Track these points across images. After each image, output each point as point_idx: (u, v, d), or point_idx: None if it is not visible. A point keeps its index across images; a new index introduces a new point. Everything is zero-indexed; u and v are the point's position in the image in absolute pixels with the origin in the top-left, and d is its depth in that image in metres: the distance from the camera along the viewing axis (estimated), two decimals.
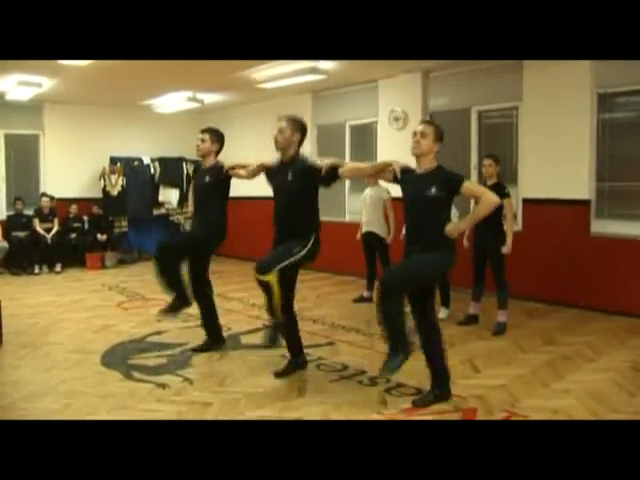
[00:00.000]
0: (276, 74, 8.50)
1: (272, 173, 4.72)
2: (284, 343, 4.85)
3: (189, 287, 5.32)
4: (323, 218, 4.67)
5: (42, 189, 11.25)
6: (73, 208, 11.07)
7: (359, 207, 7.70)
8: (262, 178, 5.03)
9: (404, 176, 4.14)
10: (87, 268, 10.70)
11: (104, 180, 11.61)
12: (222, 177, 5.23)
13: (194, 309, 5.51)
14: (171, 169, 12.09)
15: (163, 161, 12.07)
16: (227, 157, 5.44)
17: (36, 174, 11.51)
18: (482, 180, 6.29)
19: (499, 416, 3.93)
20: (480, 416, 3.93)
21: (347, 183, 9.69)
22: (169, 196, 12.09)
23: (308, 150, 4.63)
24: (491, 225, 5.59)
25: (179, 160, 12.19)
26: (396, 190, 7.13)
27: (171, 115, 12.09)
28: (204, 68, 7.70)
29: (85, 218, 11.21)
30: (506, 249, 5.84)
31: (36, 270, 10.26)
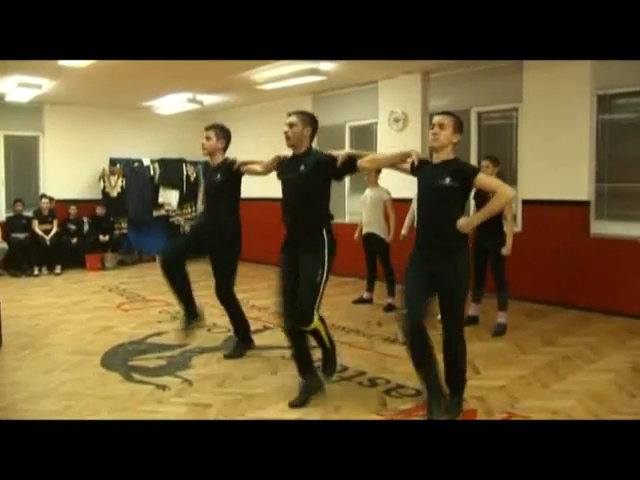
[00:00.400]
0: (276, 75, 8.50)
1: (284, 166, 4.50)
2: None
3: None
4: None
5: (42, 190, 11.25)
6: (72, 209, 11.08)
7: (359, 208, 7.70)
8: (266, 178, 4.96)
9: (421, 167, 3.98)
10: (87, 269, 10.71)
11: (104, 181, 11.62)
12: (234, 174, 5.09)
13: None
14: (171, 170, 12.09)
15: (163, 162, 12.08)
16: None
17: (36, 175, 11.51)
18: None
19: (499, 417, 3.93)
20: (480, 417, 3.93)
21: (347, 184, 9.70)
22: (169, 197, 12.09)
23: None
24: (491, 226, 5.58)
25: (179, 161, 12.20)
26: (396, 191, 7.18)
27: (171, 116, 12.10)
28: (204, 69, 7.71)
29: (85, 219, 11.21)
30: (506, 250, 5.84)
31: (36, 272, 10.27)
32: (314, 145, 4.50)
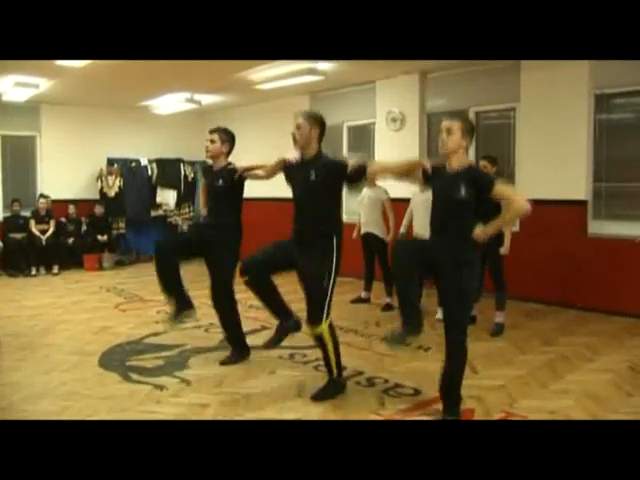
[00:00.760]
0: (274, 75, 8.50)
1: (292, 172, 4.44)
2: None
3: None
4: None
5: (39, 191, 11.23)
6: (71, 209, 11.07)
7: (357, 207, 7.70)
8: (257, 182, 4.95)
9: (434, 175, 3.86)
10: (85, 269, 10.70)
11: (101, 181, 11.61)
12: (236, 180, 5.03)
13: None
14: (169, 170, 12.09)
15: (161, 162, 12.07)
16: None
17: (33, 175, 11.50)
18: None
19: (497, 417, 3.93)
20: (478, 417, 3.93)
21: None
22: (167, 197, 12.08)
23: None
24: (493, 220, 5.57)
25: (177, 161, 12.20)
26: (394, 190, 7.17)
27: (169, 116, 12.09)
28: (202, 69, 7.70)
29: (83, 219, 11.18)
30: (504, 250, 5.85)
31: (33, 272, 10.25)
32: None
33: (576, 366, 5.01)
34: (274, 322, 6.40)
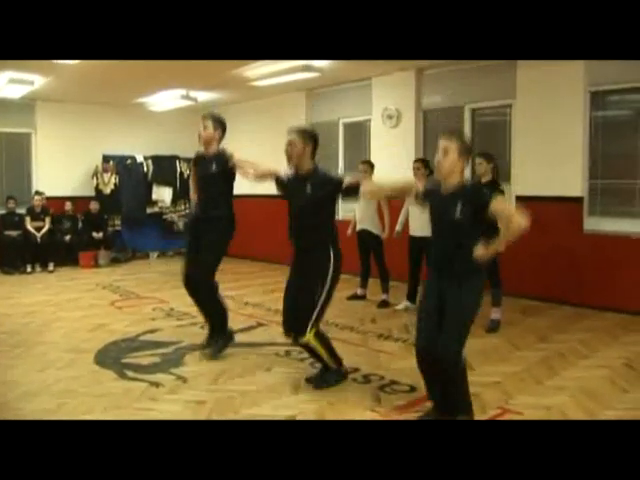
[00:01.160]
0: (270, 72, 8.49)
1: (287, 186, 4.52)
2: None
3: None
4: None
5: (34, 188, 11.19)
6: (68, 205, 11.05)
7: (352, 205, 7.68)
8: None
9: (429, 197, 3.81)
10: (80, 267, 10.68)
11: (97, 178, 11.58)
12: (229, 167, 5.06)
13: (187, 307, 5.50)
14: (164, 167, 12.08)
15: (156, 159, 12.05)
16: None
17: (28, 173, 11.47)
18: (475, 179, 6.29)
19: (493, 413, 3.94)
20: (474, 413, 3.92)
21: None
22: (162, 194, 12.07)
23: None
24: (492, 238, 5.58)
25: (172, 158, 12.18)
26: None
27: (164, 113, 12.07)
28: (198, 66, 7.68)
29: (78, 216, 11.16)
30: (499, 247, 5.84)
31: (28, 269, 10.22)
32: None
33: (571, 362, 5.02)
34: (269, 319, 6.45)
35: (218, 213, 5.14)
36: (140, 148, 12.07)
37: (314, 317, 4.26)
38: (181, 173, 12.21)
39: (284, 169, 4.58)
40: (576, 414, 3.90)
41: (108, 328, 6.26)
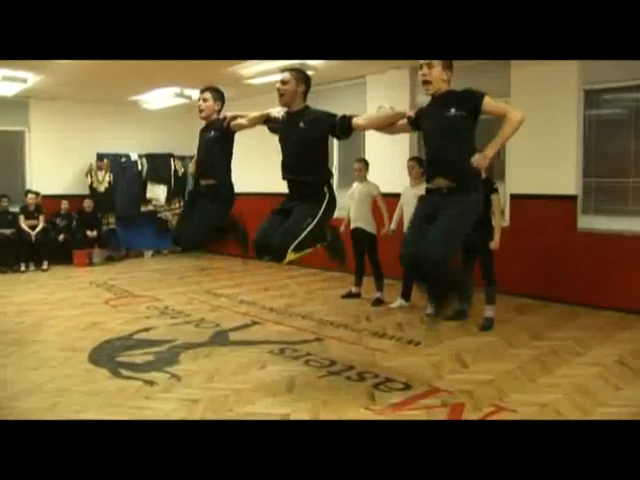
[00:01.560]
0: (264, 70, 8.48)
1: (279, 124, 4.53)
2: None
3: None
4: None
5: (28, 186, 11.15)
6: (64, 204, 11.02)
7: (347, 202, 7.67)
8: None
9: (420, 117, 3.89)
10: (74, 265, 10.65)
11: (91, 176, 11.54)
12: (226, 130, 5.07)
13: (181, 305, 5.49)
14: (159, 165, 12.05)
15: (151, 157, 12.03)
16: None
17: (22, 171, 11.41)
18: None
19: (487, 411, 3.94)
20: (468, 411, 3.94)
21: (335, 179, 9.69)
22: (157, 193, 12.04)
23: None
24: (479, 221, 5.59)
25: (167, 156, 12.17)
26: (385, 185, 7.18)
27: (159, 111, 12.03)
28: (192, 64, 7.68)
29: (72, 214, 11.13)
30: (494, 244, 5.87)
31: (22, 268, 10.19)
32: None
33: (565, 360, 5.03)
34: (264, 317, 6.45)
35: (217, 178, 5.14)
36: (134, 146, 12.05)
37: (294, 243, 4.17)
38: (175, 171, 12.19)
39: (278, 110, 4.57)
40: (570, 412, 3.91)
41: (102, 327, 6.25)
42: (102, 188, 11.55)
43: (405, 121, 4.02)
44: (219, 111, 5.26)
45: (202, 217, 5.14)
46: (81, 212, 11.12)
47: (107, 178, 11.56)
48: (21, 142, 11.35)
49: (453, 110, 3.60)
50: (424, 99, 8.53)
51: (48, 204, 10.82)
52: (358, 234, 7.36)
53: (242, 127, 5.05)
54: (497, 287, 6.13)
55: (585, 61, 6.85)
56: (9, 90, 9.74)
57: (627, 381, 4.49)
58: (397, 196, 6.98)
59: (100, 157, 11.60)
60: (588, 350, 5.31)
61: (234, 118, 5.06)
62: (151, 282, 9.01)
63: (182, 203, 12.17)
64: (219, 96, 5.27)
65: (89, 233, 10.89)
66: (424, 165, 3.92)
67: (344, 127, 4.24)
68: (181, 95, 10.66)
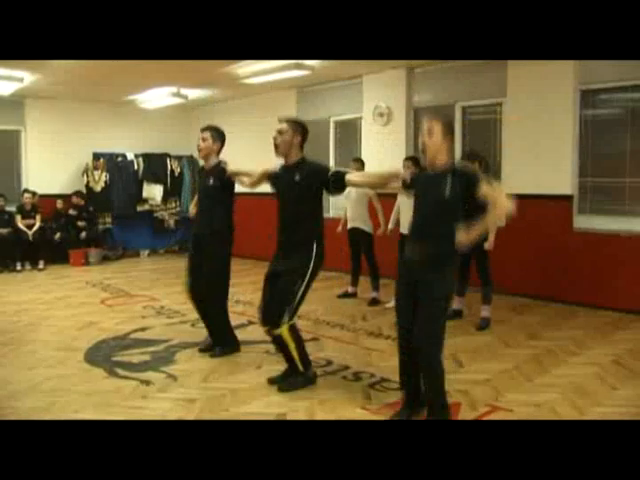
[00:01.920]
0: (260, 70, 8.49)
1: (276, 177, 4.48)
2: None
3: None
4: None
5: (24, 185, 11.13)
6: (59, 203, 11.00)
7: (343, 202, 7.66)
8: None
9: (415, 182, 3.82)
10: (70, 265, 10.63)
11: (87, 176, 11.52)
12: (227, 180, 5.06)
13: (177, 305, 5.48)
14: (155, 165, 12.03)
15: (147, 157, 12.01)
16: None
17: (18, 170, 11.40)
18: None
19: (483, 410, 3.95)
20: (464, 410, 3.94)
21: None
22: (153, 192, 12.02)
23: None
24: (474, 220, 5.59)
25: (163, 156, 12.15)
26: None
27: (155, 111, 12.03)
28: (188, 64, 7.67)
29: (61, 212, 11.09)
30: (488, 245, 5.87)
31: (18, 267, 10.17)
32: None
33: (561, 360, 5.04)
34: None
35: (215, 227, 5.10)
36: (131, 146, 12.03)
37: (289, 310, 4.22)
38: (172, 171, 12.17)
39: (274, 164, 4.54)
40: (566, 411, 3.92)
41: (98, 326, 6.24)
42: (98, 187, 11.53)
43: (399, 184, 3.94)
44: (218, 152, 5.23)
45: (210, 266, 5.13)
46: (73, 206, 11.10)
47: (103, 177, 11.55)
48: (17, 141, 11.33)
49: (447, 192, 3.53)
50: (420, 99, 8.63)
51: (44, 204, 10.79)
52: (356, 234, 7.38)
53: (242, 185, 5.05)
54: (493, 287, 6.14)
55: (581, 61, 6.87)
56: (5, 89, 9.72)
57: (623, 381, 4.50)
58: (393, 196, 6.97)
59: (96, 156, 11.59)
60: (584, 350, 5.32)
61: (235, 174, 5.04)
62: (147, 282, 9.00)
63: (178, 204, 12.19)
64: (219, 136, 5.22)
65: (79, 224, 10.87)
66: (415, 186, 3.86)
67: (337, 183, 4.20)
68: (177, 95, 10.67)
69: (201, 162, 5.47)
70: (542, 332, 5.91)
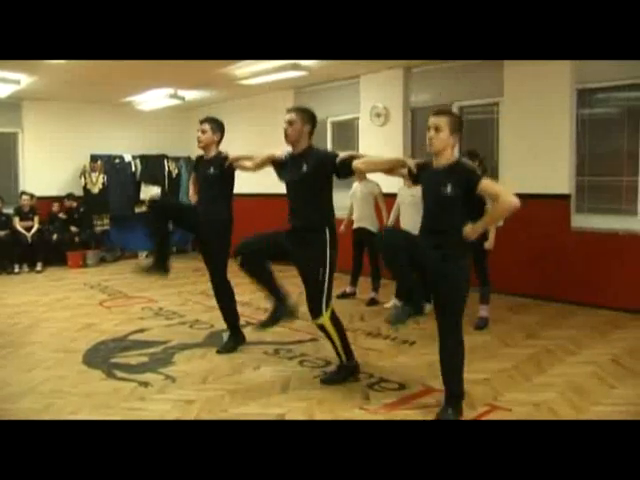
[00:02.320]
0: (258, 70, 8.48)
1: (284, 166, 4.52)
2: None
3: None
4: None
5: (22, 187, 11.11)
6: (55, 206, 10.99)
7: (349, 202, 7.57)
8: (258, 174, 4.92)
9: (421, 173, 3.85)
10: (68, 267, 10.62)
11: (85, 178, 11.50)
12: (227, 168, 5.09)
13: (176, 306, 5.48)
14: (152, 167, 12.01)
15: (144, 158, 11.99)
16: None
17: (15, 172, 11.38)
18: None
19: (481, 410, 3.95)
20: (463, 410, 3.93)
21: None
22: (151, 194, 12.00)
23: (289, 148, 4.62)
24: (474, 221, 5.59)
25: (160, 157, 12.13)
26: (386, 185, 7.16)
27: (152, 112, 12.02)
28: (185, 65, 7.66)
29: (61, 216, 11.07)
30: (489, 245, 5.87)
31: (16, 269, 10.15)
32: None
33: (560, 359, 5.04)
34: (258, 317, 6.41)
35: (216, 216, 5.15)
36: (128, 147, 12.01)
37: (325, 298, 4.33)
38: (169, 172, 12.16)
39: (282, 150, 4.57)
40: (564, 410, 3.92)
41: (96, 328, 6.23)
42: (96, 189, 11.51)
43: (405, 171, 3.99)
44: (218, 142, 5.27)
45: (215, 266, 5.33)
46: (67, 209, 11.10)
47: (101, 179, 11.53)
48: (14, 143, 11.31)
49: (449, 188, 3.58)
50: (418, 99, 8.63)
51: (42, 206, 10.77)
52: (362, 234, 7.31)
53: (246, 169, 5.07)
54: (491, 286, 6.14)
55: (578, 61, 6.86)
56: (2, 92, 9.68)
57: (621, 380, 4.50)
58: (393, 196, 6.97)
59: (94, 158, 11.56)
60: (582, 349, 5.32)
61: (237, 159, 5.07)
62: (145, 283, 8.96)
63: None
64: (218, 127, 5.26)
65: (72, 228, 10.87)
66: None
67: (345, 170, 4.23)
68: (175, 96, 10.66)
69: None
70: (540, 331, 5.92)
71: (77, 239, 10.93)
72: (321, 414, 3.93)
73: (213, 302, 7.27)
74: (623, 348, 5.31)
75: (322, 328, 4.47)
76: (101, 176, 11.53)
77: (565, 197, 7.19)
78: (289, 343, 5.49)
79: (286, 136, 4.37)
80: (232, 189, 5.27)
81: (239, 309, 6.59)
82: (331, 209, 4.43)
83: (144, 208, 11.89)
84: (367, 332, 5.95)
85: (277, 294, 4.53)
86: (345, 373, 4.56)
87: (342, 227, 7.42)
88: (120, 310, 7.15)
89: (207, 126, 5.20)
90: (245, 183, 5.24)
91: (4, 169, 11.31)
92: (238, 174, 5.21)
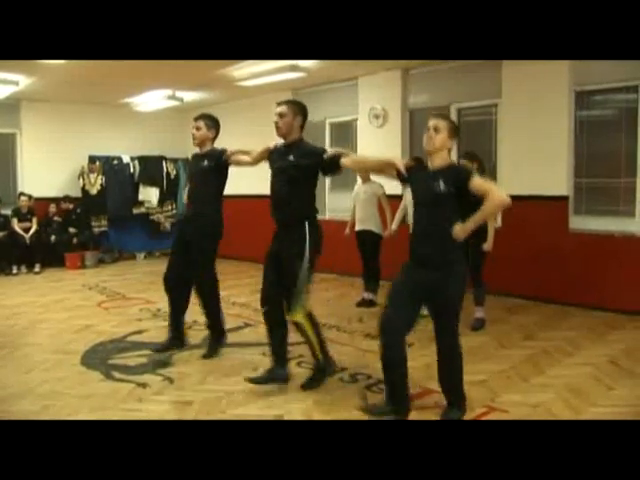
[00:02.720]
0: (256, 72, 8.49)
1: (274, 155, 4.50)
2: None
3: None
4: None
5: (20, 189, 11.11)
6: (52, 207, 10.99)
7: (351, 203, 7.50)
8: (251, 174, 4.90)
9: (413, 175, 3.84)
10: (67, 268, 10.62)
11: (83, 179, 11.51)
12: (221, 162, 5.05)
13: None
14: (151, 168, 12.01)
15: (143, 160, 11.99)
16: None
17: (13, 173, 11.38)
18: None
19: (479, 411, 3.95)
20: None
21: (327, 181, 9.69)
22: (149, 195, 12.00)
23: None
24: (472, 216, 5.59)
25: (159, 159, 12.14)
26: (390, 186, 7.15)
27: (151, 113, 12.03)
28: (184, 66, 7.67)
29: (56, 219, 11.06)
30: (487, 246, 5.87)
31: (14, 270, 10.15)
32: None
33: (557, 360, 5.05)
34: (256, 319, 6.43)
35: (205, 210, 5.11)
36: (126, 148, 12.01)
37: (298, 294, 4.26)
38: (167, 173, 12.17)
39: (275, 142, 4.57)
40: (562, 412, 3.92)
41: (94, 329, 6.23)
42: (94, 190, 11.51)
43: (394, 173, 3.96)
44: (213, 139, 5.24)
45: (202, 265, 5.20)
46: (63, 211, 11.11)
47: (99, 180, 11.53)
48: (12, 144, 11.31)
49: (442, 186, 3.61)
50: (416, 100, 8.63)
51: (40, 207, 10.77)
52: (365, 236, 7.23)
53: (244, 164, 5.01)
54: (489, 287, 6.14)
55: (575, 62, 6.88)
56: (0, 92, 9.69)
57: (619, 381, 4.51)
58: (395, 197, 6.96)
59: (92, 159, 11.56)
60: (580, 350, 5.33)
61: (234, 153, 5.03)
62: (143, 284, 8.99)
63: (174, 206, 12.18)
64: (213, 123, 5.23)
65: (71, 230, 10.88)
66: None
67: (332, 166, 4.23)
68: (173, 97, 10.66)
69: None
70: (537, 332, 5.93)
71: (75, 240, 10.97)
72: (319, 415, 3.93)
73: None
74: (620, 349, 5.32)
75: (297, 325, 4.39)
76: (99, 177, 11.53)
77: (563, 198, 7.20)
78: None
79: (277, 128, 4.36)
80: (223, 186, 5.21)
81: (238, 311, 6.61)
82: (312, 204, 4.39)
83: (142, 210, 11.93)
84: (365, 334, 5.95)
85: (282, 355, 4.54)
86: (321, 375, 4.51)
87: (347, 230, 7.37)
88: (118, 311, 7.15)
89: (202, 123, 5.18)
90: (241, 184, 5.22)
91: (2, 170, 11.30)
92: (232, 174, 5.18)
